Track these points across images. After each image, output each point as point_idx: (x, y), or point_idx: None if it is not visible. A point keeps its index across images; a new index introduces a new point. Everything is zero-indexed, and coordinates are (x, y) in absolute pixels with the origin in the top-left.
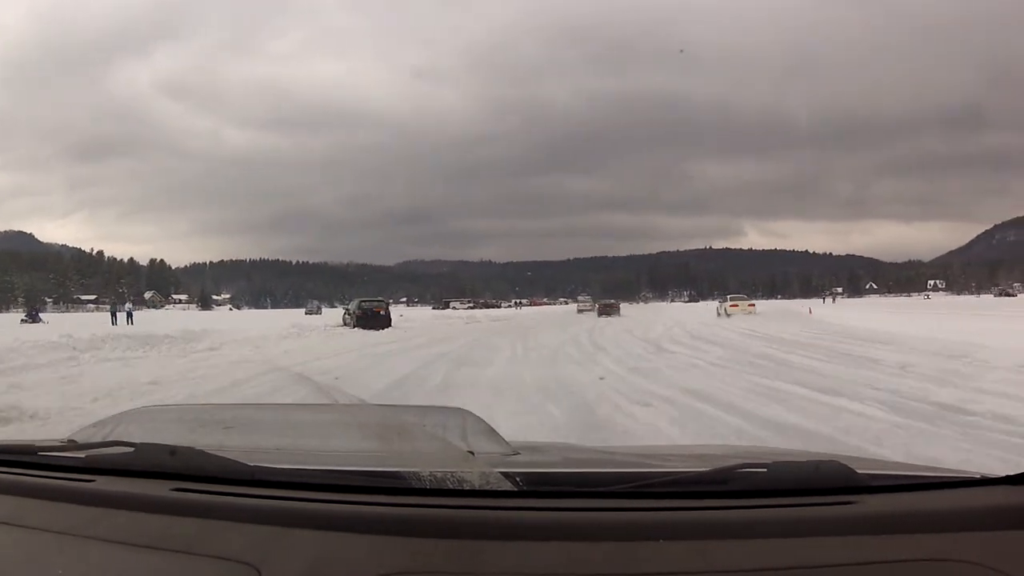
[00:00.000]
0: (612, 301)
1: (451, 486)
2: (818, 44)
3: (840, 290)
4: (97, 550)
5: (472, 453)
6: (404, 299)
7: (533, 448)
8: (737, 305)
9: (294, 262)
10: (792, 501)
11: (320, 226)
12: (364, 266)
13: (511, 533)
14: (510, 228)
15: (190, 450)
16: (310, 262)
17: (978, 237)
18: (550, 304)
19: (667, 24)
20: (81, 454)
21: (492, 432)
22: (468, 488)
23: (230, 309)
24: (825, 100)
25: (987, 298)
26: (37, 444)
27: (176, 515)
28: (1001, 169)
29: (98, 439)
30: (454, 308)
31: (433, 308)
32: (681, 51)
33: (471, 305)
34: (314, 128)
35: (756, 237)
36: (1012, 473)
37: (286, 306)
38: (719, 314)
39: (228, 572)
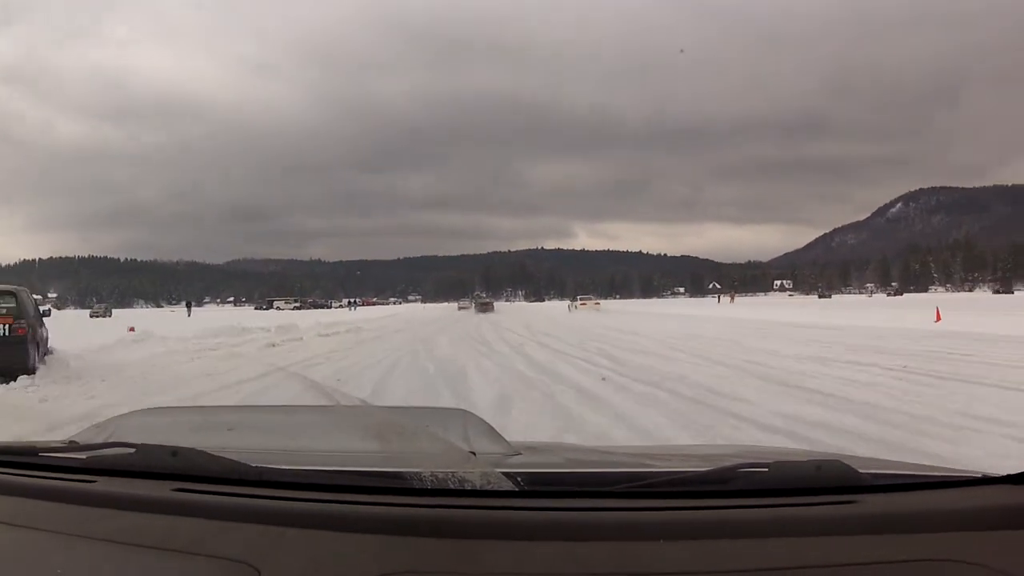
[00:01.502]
0: (488, 300)
1: (453, 486)
2: (653, 47)
3: (683, 290)
4: (98, 551)
5: (474, 453)
6: (232, 299)
7: (534, 448)
8: (585, 303)
9: (122, 259)
10: (793, 501)
11: (151, 222)
12: (194, 264)
13: (513, 533)
14: (340, 227)
15: (192, 451)
16: (139, 259)
17: (817, 240)
18: (381, 303)
19: (502, 23)
20: (82, 455)
21: (493, 432)
22: (470, 488)
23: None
24: (659, 103)
25: (880, 297)
26: (38, 445)
27: (177, 515)
28: (839, 176)
29: (99, 440)
30: (278, 308)
31: (255, 309)
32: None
33: (297, 305)
34: (147, 120)
35: (586, 238)
36: (1014, 472)
37: (112, 306)
38: (570, 310)
39: (229, 572)
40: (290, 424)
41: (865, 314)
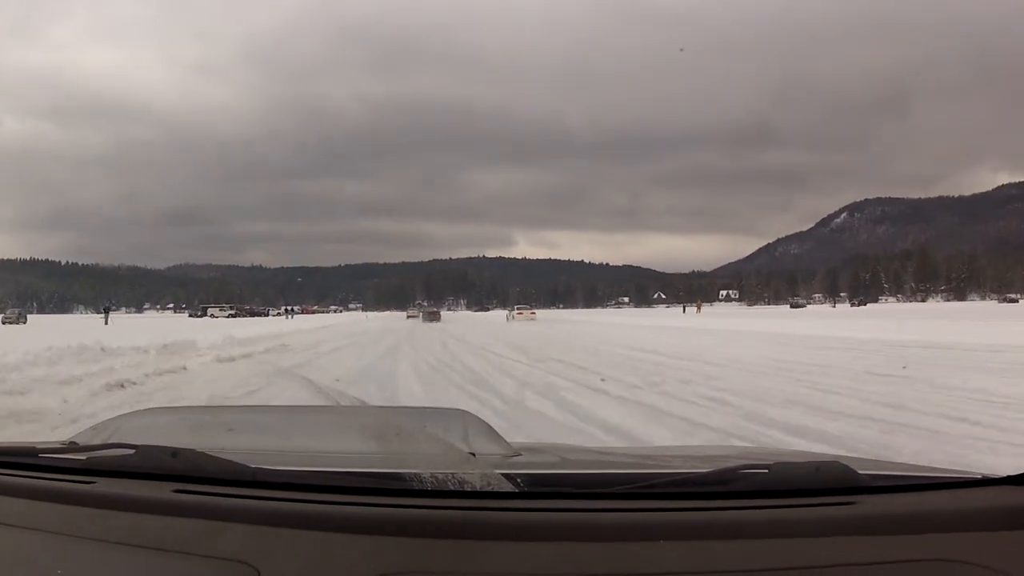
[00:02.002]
0: (435, 310)
1: (452, 487)
2: (598, 56)
3: (627, 300)
4: (98, 551)
5: (473, 454)
6: (171, 305)
7: (534, 449)
8: (522, 313)
9: (63, 262)
10: (793, 502)
11: (93, 226)
12: (135, 268)
13: (512, 534)
14: (282, 233)
15: (191, 452)
16: (80, 263)
17: (760, 249)
18: (322, 311)
19: (448, 28)
20: (82, 456)
21: (493, 433)
22: (469, 489)
23: None
24: (602, 112)
25: (844, 307)
26: (38, 446)
27: (177, 516)
28: (783, 185)
29: (99, 441)
30: (212, 316)
31: (189, 316)
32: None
33: (232, 312)
34: (90, 121)
35: (526, 246)
36: (1013, 473)
37: (51, 311)
38: (508, 320)
39: (229, 573)
40: (289, 425)
41: (889, 325)
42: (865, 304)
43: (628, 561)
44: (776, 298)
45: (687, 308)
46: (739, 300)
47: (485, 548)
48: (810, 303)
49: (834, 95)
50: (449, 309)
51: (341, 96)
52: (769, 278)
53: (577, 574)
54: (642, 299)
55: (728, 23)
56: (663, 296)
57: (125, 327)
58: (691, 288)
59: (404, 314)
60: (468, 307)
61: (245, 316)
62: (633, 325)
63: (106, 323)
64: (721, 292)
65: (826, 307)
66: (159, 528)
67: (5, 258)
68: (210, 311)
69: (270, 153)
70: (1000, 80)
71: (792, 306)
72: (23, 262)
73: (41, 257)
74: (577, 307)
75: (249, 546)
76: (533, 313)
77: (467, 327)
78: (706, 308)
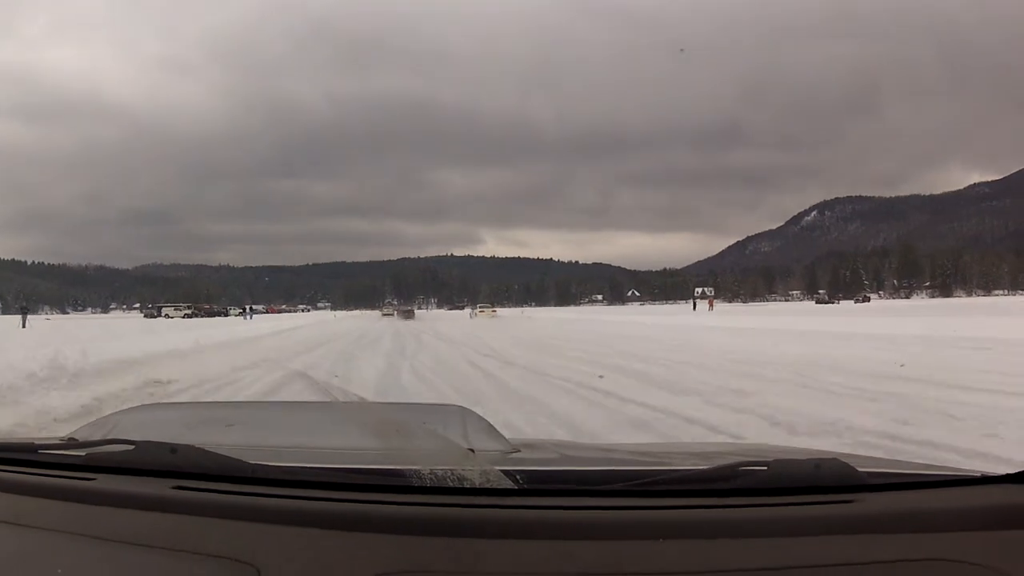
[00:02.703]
0: (409, 308)
1: (452, 484)
2: (564, 54)
3: (600, 297)
4: (97, 548)
5: (472, 451)
6: (137, 304)
7: (533, 446)
8: (484, 311)
9: (29, 262)
10: (793, 500)
11: (59, 225)
12: (102, 268)
13: (512, 531)
14: (249, 232)
15: (191, 448)
16: (46, 263)
17: (731, 247)
18: (290, 311)
19: (416, 24)
20: (81, 452)
21: (492, 430)
22: (469, 486)
23: None
24: (569, 110)
25: (847, 304)
26: (37, 442)
27: (176, 513)
28: (752, 184)
29: (98, 437)
30: (167, 316)
31: (144, 316)
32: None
33: (188, 313)
34: (56, 119)
35: (494, 245)
36: (1014, 472)
37: (15, 312)
38: (471, 316)
39: (228, 571)
40: (289, 421)
41: (951, 323)
42: (868, 300)
43: (627, 559)
44: (752, 295)
45: (697, 303)
46: (717, 298)
47: (484, 545)
48: (788, 300)
49: (802, 93)
50: (420, 307)
51: (308, 94)
52: (744, 275)
53: (577, 572)
54: (615, 297)
55: (695, 19)
56: (636, 293)
57: (38, 331)
58: (665, 286)
59: (378, 313)
60: (439, 305)
61: (202, 316)
62: (659, 324)
63: (23, 326)
64: (696, 289)
65: (811, 303)
66: (159, 525)
67: None
68: (164, 311)
69: (238, 152)
70: (971, 79)
71: (818, 302)
72: None
73: (7, 256)
74: (548, 305)
75: (249, 543)
76: (494, 311)
77: (447, 325)
78: (669, 307)
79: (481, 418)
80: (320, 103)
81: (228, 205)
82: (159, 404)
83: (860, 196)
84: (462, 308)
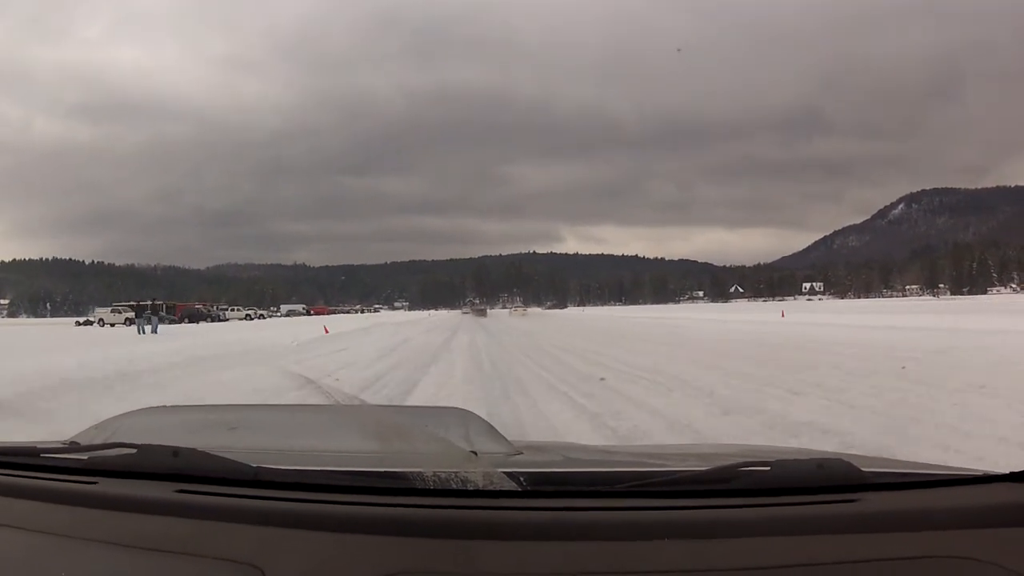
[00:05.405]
0: (483, 307)
1: (455, 486)
2: (644, 45)
3: (702, 294)
4: (100, 552)
5: (475, 453)
6: (199, 304)
7: (535, 448)
8: (517, 309)
9: (87, 262)
10: (795, 500)
11: (130, 226)
12: (172, 268)
13: (515, 533)
14: (324, 231)
15: (193, 451)
16: (115, 264)
17: (817, 242)
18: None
19: (488, 15)
20: (83, 456)
21: (494, 432)
22: (472, 488)
23: None
24: (650, 102)
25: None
26: (39, 446)
27: (179, 516)
28: (836, 176)
29: (100, 440)
30: (101, 322)
31: (76, 324)
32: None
33: (131, 316)
34: (124, 119)
35: (574, 242)
36: (1016, 470)
37: (66, 313)
38: (511, 314)
39: (232, 573)
40: (291, 423)
41: None
42: None
43: (631, 560)
44: (867, 290)
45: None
46: (822, 294)
47: (488, 547)
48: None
49: (886, 81)
50: (504, 307)
51: (380, 87)
52: (847, 270)
53: (580, 573)
54: (717, 293)
55: (776, 6)
56: (740, 290)
57: None
58: (771, 281)
59: (457, 312)
60: (525, 304)
61: (169, 322)
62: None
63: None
64: (804, 285)
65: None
66: (162, 528)
67: (30, 258)
68: (99, 314)
69: (311, 150)
70: None
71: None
72: (44, 262)
73: (64, 256)
74: (646, 303)
75: (252, 546)
76: (525, 311)
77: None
78: (804, 304)
79: (483, 420)
80: (394, 96)
81: (303, 203)
82: (161, 407)
83: (947, 188)
84: (564, 307)
